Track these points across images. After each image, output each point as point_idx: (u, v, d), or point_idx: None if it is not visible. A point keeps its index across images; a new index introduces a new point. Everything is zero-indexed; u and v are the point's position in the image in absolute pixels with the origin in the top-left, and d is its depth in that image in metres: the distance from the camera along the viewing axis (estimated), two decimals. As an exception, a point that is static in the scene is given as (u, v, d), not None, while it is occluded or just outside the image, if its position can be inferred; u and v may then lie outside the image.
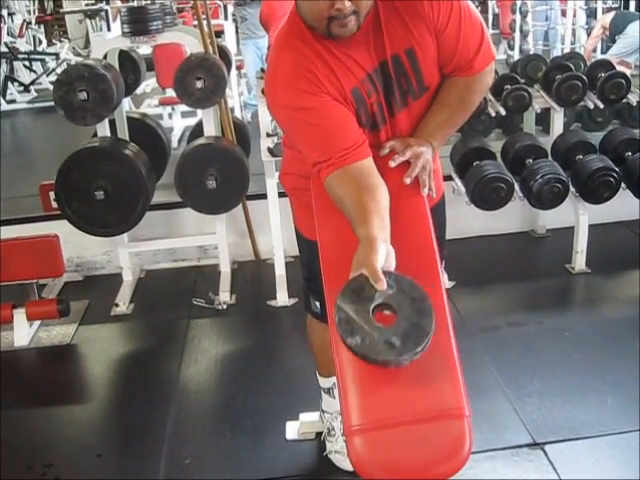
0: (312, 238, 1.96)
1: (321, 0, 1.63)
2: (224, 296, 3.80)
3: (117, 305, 3.81)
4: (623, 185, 3.73)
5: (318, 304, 2.26)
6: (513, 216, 4.24)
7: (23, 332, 3.54)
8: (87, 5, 12.55)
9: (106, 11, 7.62)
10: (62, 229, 3.71)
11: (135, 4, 3.98)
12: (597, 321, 3.45)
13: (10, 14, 11.25)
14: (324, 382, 2.55)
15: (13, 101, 9.77)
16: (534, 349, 3.19)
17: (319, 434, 2.64)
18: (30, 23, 12.11)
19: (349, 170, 1.74)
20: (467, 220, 4.06)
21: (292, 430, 2.72)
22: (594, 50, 8.65)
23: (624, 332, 3.24)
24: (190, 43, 3.86)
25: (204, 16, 3.99)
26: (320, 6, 1.64)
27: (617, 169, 3.69)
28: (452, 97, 1.94)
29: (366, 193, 1.71)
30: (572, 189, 3.72)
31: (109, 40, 3.93)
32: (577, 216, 3.83)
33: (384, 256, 1.55)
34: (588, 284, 3.87)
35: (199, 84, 3.56)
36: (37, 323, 3.65)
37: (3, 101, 9.55)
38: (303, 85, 1.75)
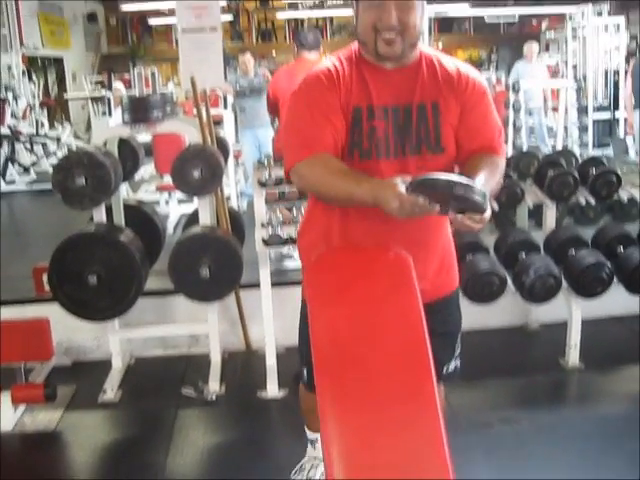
0: None
1: (372, 11, 1.94)
2: (213, 386, 3.74)
3: (105, 392, 3.76)
4: (616, 280, 3.74)
5: (305, 371, 2.36)
6: (506, 310, 4.23)
7: (7, 416, 3.47)
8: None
9: (108, 98, 7.80)
10: (53, 312, 3.68)
11: (137, 94, 4.05)
12: (592, 418, 3.40)
13: (15, 97, 11.47)
14: (310, 435, 2.71)
15: (12, 182, 9.87)
16: (528, 447, 3.13)
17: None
18: (34, 107, 12.34)
19: (320, 156, 1.97)
20: (460, 314, 4.05)
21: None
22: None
23: (621, 429, 3.19)
24: (189, 133, 3.93)
25: (203, 104, 4.07)
26: (371, 17, 1.94)
27: (609, 264, 3.71)
28: (483, 163, 2.05)
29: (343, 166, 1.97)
30: (565, 284, 3.73)
31: (110, 128, 4.00)
32: (570, 311, 3.83)
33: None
34: (582, 380, 3.83)
35: (196, 174, 3.61)
36: (22, 407, 3.58)
37: (2, 182, 9.65)
38: (325, 79, 2.03)
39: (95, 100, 11.88)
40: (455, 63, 2.10)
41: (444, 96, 2.04)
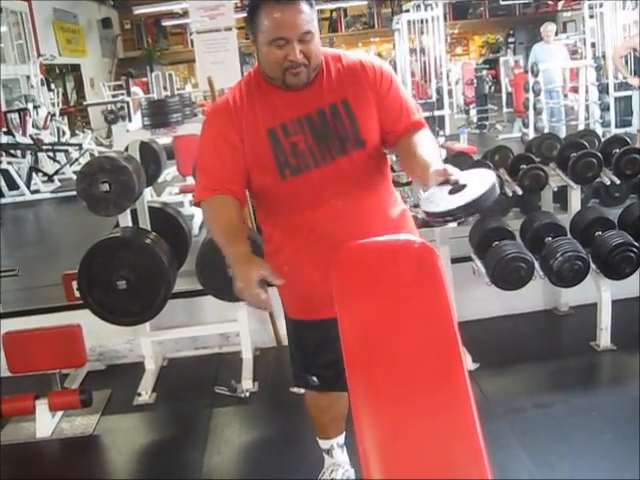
0: (294, 317, 2.43)
1: (278, 51, 1.98)
2: (246, 384, 3.77)
3: (139, 394, 3.80)
4: (644, 259, 3.71)
5: (315, 378, 2.45)
6: (535, 295, 4.22)
7: (45, 423, 3.53)
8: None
9: (127, 103, 7.82)
10: (85, 318, 3.72)
11: (155, 96, 4.06)
12: (625, 399, 3.36)
13: (35, 107, 11.60)
14: (324, 444, 2.76)
15: (37, 191, 9.98)
16: (562, 430, 3.12)
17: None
18: (54, 115, 12.46)
19: (217, 200, 2.12)
20: (489, 300, 4.04)
21: (318, 522, 2.67)
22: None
23: (656, 410, 3.17)
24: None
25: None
26: (277, 55, 1.99)
27: (637, 244, 3.68)
28: (422, 143, 2.13)
29: (233, 218, 2.11)
30: (593, 266, 3.71)
31: (130, 133, 4.01)
32: (599, 293, 3.80)
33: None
34: (614, 361, 3.80)
35: (218, 174, 3.61)
36: (59, 414, 3.64)
37: (27, 191, 9.76)
38: (224, 114, 2.13)
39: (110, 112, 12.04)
40: (358, 57, 2.18)
41: (352, 91, 2.12)
